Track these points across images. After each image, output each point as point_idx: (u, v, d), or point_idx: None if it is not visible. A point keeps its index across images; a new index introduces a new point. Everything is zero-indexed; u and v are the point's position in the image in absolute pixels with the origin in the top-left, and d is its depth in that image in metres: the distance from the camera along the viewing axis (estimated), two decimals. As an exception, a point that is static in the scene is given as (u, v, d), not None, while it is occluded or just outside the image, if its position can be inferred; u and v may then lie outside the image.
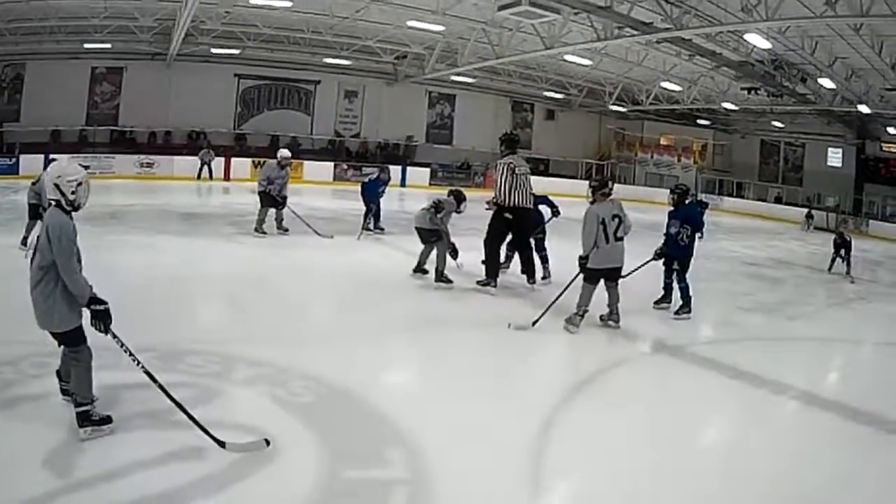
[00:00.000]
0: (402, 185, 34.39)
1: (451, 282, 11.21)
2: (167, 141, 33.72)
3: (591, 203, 9.20)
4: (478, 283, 11.12)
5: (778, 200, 37.96)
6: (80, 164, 5.30)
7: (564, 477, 5.27)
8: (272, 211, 15.62)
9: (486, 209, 11.60)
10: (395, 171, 33.80)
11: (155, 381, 5.11)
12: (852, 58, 24.58)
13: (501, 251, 11.83)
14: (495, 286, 11.00)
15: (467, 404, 6.32)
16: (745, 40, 23.58)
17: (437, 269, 11.25)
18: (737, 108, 35.44)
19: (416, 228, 11.49)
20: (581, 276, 9.18)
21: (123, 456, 4.69)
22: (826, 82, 26.94)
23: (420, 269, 11.76)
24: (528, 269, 11.43)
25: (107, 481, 4.40)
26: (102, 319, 4.89)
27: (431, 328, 9.29)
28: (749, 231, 28.45)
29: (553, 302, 9.17)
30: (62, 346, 5.10)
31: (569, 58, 30.37)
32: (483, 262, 11.27)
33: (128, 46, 30.88)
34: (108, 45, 30.33)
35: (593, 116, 45.41)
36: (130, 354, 5.08)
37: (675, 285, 10.57)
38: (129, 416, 5.30)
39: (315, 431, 5.39)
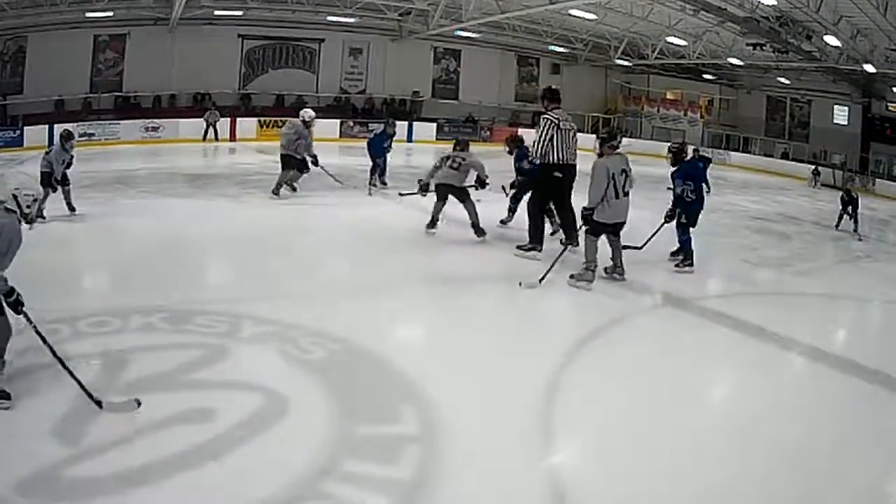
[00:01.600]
0: (409, 140, 34.21)
1: (485, 233, 11.44)
2: (172, 104, 33.59)
3: (599, 156, 9.13)
4: (518, 248, 10.66)
5: (785, 156, 37.70)
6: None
7: (575, 432, 5.42)
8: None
9: (506, 194, 11.61)
10: (401, 126, 33.88)
11: (52, 350, 5.16)
12: (857, 17, 24.37)
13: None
14: (540, 251, 10.42)
15: (480, 360, 6.41)
16: (751, -6, 23.34)
17: (473, 224, 11.41)
18: (742, 63, 35.08)
19: (445, 185, 11.48)
20: (584, 229, 9.16)
21: (132, 420, 4.76)
22: (831, 40, 26.70)
23: (433, 224, 11.74)
24: (569, 232, 10.54)
25: (118, 447, 4.48)
26: (15, 307, 5.00)
27: (443, 284, 9.34)
28: (756, 186, 28.35)
29: (558, 257, 9.17)
30: None
31: (574, 12, 30.20)
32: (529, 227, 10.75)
33: (130, 13, 30.69)
34: (111, 13, 30.09)
35: (599, 70, 45.01)
36: (37, 331, 5.15)
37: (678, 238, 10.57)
38: (138, 379, 5.34)
39: (326, 388, 5.50)
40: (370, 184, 16.51)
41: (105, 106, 32.09)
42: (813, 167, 34.12)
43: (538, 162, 10.51)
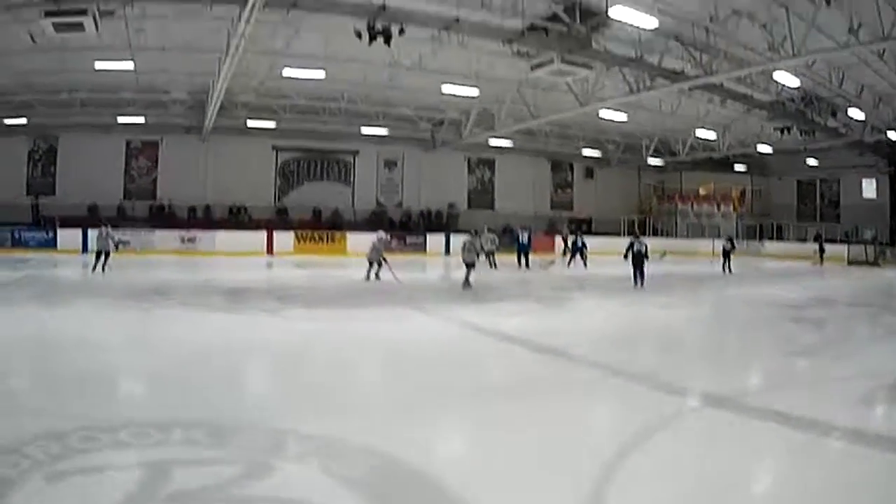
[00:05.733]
0: (447, 252, 34.01)
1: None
2: (207, 216, 34.40)
3: None
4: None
5: (817, 239, 37.35)
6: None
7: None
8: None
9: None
10: (438, 239, 34.17)
11: None
12: (878, 84, 24.85)
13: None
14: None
15: (525, 472, 6.20)
16: (775, 80, 23.90)
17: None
18: (771, 149, 35.70)
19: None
20: None
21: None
22: (855, 113, 27.30)
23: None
24: None
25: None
26: None
27: (485, 398, 9.15)
28: (790, 273, 27.97)
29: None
30: None
31: (604, 114, 30.92)
32: None
33: (162, 120, 31.92)
34: (142, 119, 31.30)
35: (632, 172, 45.82)
36: None
37: None
38: (180, 493, 5.25)
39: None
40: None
41: (139, 213, 32.88)
42: (817, 245, 33.89)
43: None
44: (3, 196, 29.82)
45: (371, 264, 20.51)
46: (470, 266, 19.31)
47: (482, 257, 22.00)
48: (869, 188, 39.49)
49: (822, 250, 33.07)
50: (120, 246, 21.87)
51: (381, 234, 22.22)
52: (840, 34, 18.06)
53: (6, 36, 20.27)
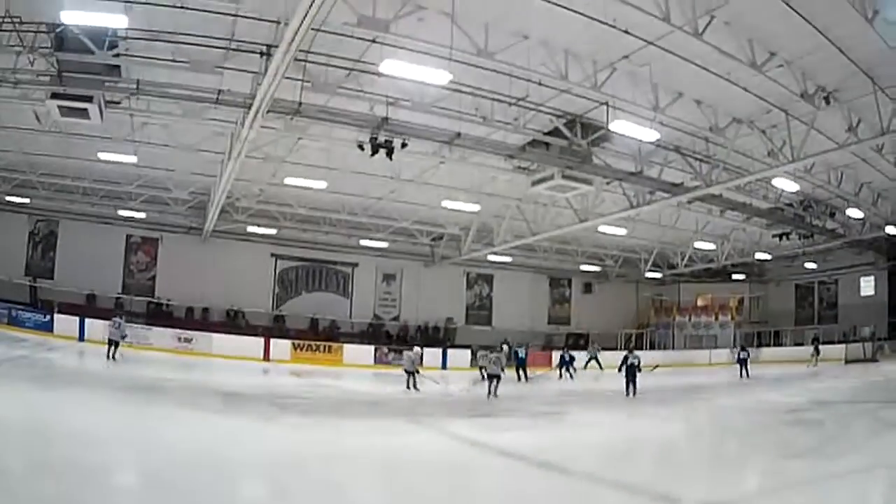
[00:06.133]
0: (443, 367, 33.53)
1: None
2: (205, 317, 34.13)
3: None
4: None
5: (815, 341, 36.92)
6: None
7: None
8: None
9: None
10: (435, 353, 33.84)
11: None
12: (876, 180, 25.15)
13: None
14: None
15: None
16: (774, 186, 24.14)
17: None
18: (770, 256, 35.92)
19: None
20: None
21: None
22: (854, 212, 27.40)
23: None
24: None
25: None
26: None
27: None
28: (788, 378, 27.55)
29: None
30: None
31: (603, 228, 31.06)
32: None
33: (162, 217, 32.21)
34: (143, 214, 31.45)
35: (630, 285, 45.84)
36: None
37: None
38: None
39: None
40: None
41: (137, 308, 32.57)
42: (813, 346, 33.34)
43: None
44: (1, 273, 29.52)
45: (409, 374, 22.11)
46: (495, 378, 20.50)
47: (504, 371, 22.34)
48: (867, 286, 39.37)
49: (817, 351, 32.65)
50: (126, 339, 23.05)
51: (417, 349, 24.32)
52: (839, 134, 18.35)
53: (14, 112, 20.56)
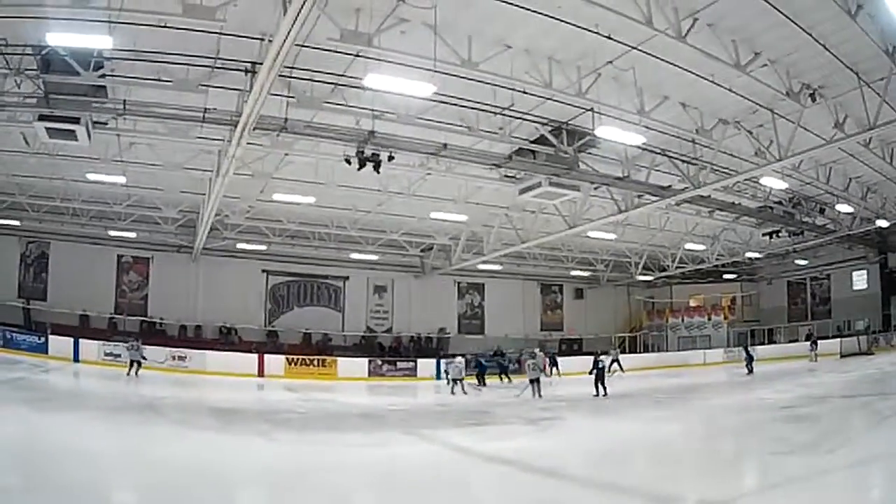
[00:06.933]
0: (438, 378, 33.32)
1: None
2: (198, 335, 34.06)
3: None
4: None
5: (808, 337, 36.93)
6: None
7: None
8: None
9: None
10: (429, 364, 33.86)
11: None
12: (865, 174, 25.27)
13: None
14: None
15: None
16: (762, 185, 24.12)
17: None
18: (760, 255, 36.05)
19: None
20: None
21: None
22: (843, 207, 27.39)
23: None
24: None
25: None
26: None
27: None
28: (783, 375, 27.60)
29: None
30: None
31: (593, 234, 31.05)
32: None
33: (153, 237, 32.12)
34: (133, 234, 31.35)
35: (621, 289, 45.93)
36: None
37: None
38: None
39: None
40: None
41: (130, 328, 32.37)
42: (810, 342, 33.62)
43: None
44: (-6, 296, 29.48)
45: (454, 382, 25.38)
46: (534, 381, 22.23)
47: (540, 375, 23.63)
48: (859, 280, 39.61)
49: (815, 346, 32.81)
50: (146, 360, 25.77)
51: (459, 359, 26.90)
52: (826, 130, 18.41)
53: (2, 135, 20.56)
